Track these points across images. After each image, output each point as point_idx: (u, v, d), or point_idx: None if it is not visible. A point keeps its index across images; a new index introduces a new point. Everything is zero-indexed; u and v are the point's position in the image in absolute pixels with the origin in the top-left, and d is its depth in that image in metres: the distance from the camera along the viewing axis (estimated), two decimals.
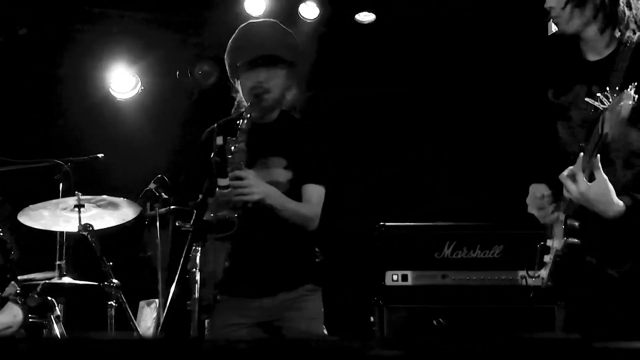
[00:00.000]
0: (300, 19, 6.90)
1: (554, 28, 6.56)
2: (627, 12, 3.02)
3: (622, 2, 3.02)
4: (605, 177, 2.81)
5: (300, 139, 4.05)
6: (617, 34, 3.06)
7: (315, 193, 4.00)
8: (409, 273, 5.57)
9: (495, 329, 5.45)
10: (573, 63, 3.19)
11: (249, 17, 6.82)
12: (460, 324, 5.47)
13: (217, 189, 3.88)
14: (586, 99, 3.01)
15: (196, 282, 3.71)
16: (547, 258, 3.11)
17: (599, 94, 2.86)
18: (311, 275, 4.01)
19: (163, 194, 5.71)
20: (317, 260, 4.07)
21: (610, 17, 3.04)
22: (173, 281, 4.70)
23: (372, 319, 5.57)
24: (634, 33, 3.03)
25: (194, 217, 4.16)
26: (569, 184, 2.86)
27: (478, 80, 7.18)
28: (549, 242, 3.15)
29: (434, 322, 5.46)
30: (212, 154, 3.90)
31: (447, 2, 6.79)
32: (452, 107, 7.33)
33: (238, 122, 3.90)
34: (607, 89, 2.84)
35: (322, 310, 4.07)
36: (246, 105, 3.97)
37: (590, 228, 2.93)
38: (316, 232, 4.05)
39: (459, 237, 5.64)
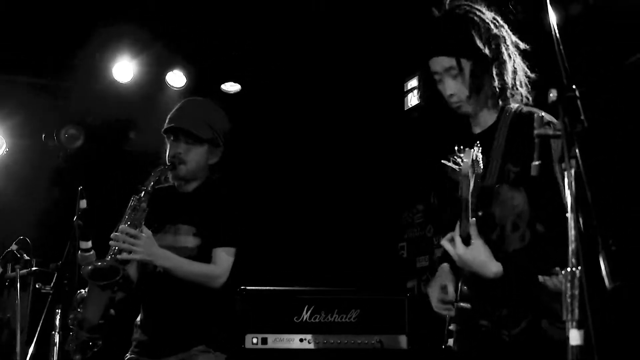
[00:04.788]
0: (167, 86, 6.99)
1: (410, 102, 6.90)
2: (515, 87, 3.18)
3: (512, 80, 3.18)
4: (481, 240, 2.91)
5: (210, 207, 4.13)
6: (500, 107, 3.21)
7: (223, 254, 4.04)
8: (268, 336, 5.65)
9: None
10: (463, 138, 3.26)
11: (117, 83, 6.91)
12: None
13: (80, 252, 3.93)
14: (442, 162, 3.08)
15: (55, 344, 3.75)
16: (453, 326, 3.13)
17: (452, 157, 2.93)
18: (203, 337, 4.03)
19: (25, 255, 5.66)
20: (212, 321, 4.08)
21: (503, 95, 3.17)
22: (32, 343, 4.69)
23: None
24: (512, 104, 3.19)
25: (54, 280, 4.19)
26: (448, 248, 2.97)
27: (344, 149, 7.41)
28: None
29: None
30: (75, 217, 3.96)
31: (313, 72, 7.00)
32: (316, 175, 7.52)
33: (144, 182, 4.01)
34: (456, 149, 2.94)
35: None
36: (161, 168, 4.10)
37: (482, 293, 3.00)
38: (218, 292, 4.07)
39: (317, 301, 5.75)
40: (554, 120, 3.10)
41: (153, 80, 7.03)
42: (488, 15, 3.20)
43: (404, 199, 7.71)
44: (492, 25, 3.17)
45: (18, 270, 5.71)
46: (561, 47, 2.27)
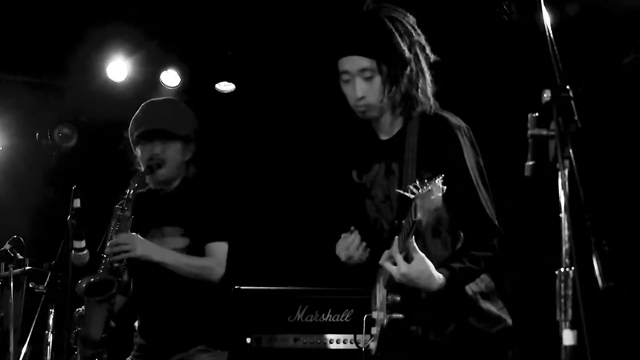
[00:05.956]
0: (161, 86, 6.97)
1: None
2: (421, 94, 3.08)
3: (423, 88, 3.09)
4: (422, 254, 2.84)
5: (195, 204, 4.14)
6: (407, 113, 3.13)
7: (217, 248, 4.07)
8: (262, 336, 5.66)
9: None
10: (369, 143, 3.27)
11: (111, 82, 6.90)
12: None
13: (73, 251, 3.93)
14: (397, 190, 3.05)
15: (48, 343, 3.77)
16: (374, 330, 3.17)
17: (409, 185, 2.80)
18: (201, 336, 4.05)
19: (18, 254, 5.65)
20: (210, 320, 4.11)
21: (412, 102, 3.08)
22: (25, 342, 4.70)
23: None
24: (419, 109, 3.10)
25: (48, 279, 4.20)
26: (389, 267, 2.88)
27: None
28: (374, 315, 3.21)
29: None
30: (69, 216, 3.96)
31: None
32: (310, 175, 7.51)
33: (126, 191, 4.01)
34: (417, 181, 2.83)
35: None
36: (139, 175, 4.11)
37: (410, 299, 2.98)
38: (213, 292, 4.12)
39: (311, 301, 5.77)
40: (462, 123, 3.13)
41: (147, 79, 7.01)
42: (410, 19, 3.13)
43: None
44: (413, 31, 3.10)
45: (11, 269, 5.71)
46: (555, 47, 2.27)
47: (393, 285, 2.97)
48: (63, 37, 6.50)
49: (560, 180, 2.13)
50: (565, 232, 2.09)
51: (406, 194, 2.81)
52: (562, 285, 2.07)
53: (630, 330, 5.00)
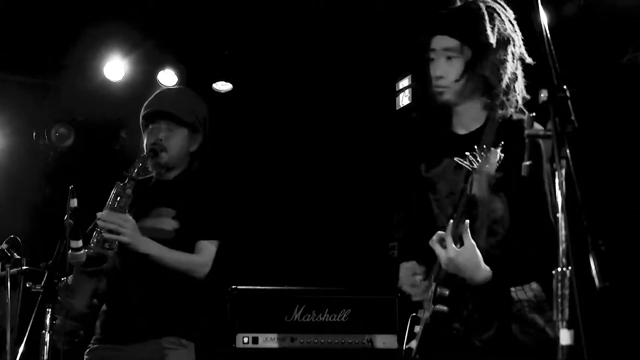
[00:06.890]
0: (158, 85, 6.97)
1: (402, 102, 6.89)
2: (510, 93, 3.05)
3: (508, 83, 3.05)
4: (473, 242, 2.82)
5: (192, 196, 4.12)
6: (489, 110, 3.09)
7: (206, 246, 4.04)
8: (259, 336, 5.66)
9: None
10: (442, 136, 3.22)
11: (108, 82, 6.90)
12: None
13: (70, 251, 3.92)
14: (455, 159, 3.03)
15: (45, 343, 3.75)
16: (417, 329, 3.11)
17: (467, 153, 2.85)
18: (174, 327, 4.01)
19: (15, 254, 5.64)
20: (187, 314, 4.07)
21: (493, 96, 3.05)
22: (22, 342, 4.69)
23: None
24: (503, 110, 3.06)
25: (45, 279, 4.18)
26: (438, 249, 2.87)
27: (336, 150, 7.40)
28: (419, 313, 3.14)
29: None
30: (66, 216, 3.95)
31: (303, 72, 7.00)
32: (307, 175, 7.52)
33: (128, 169, 4.00)
34: (476, 147, 2.85)
35: None
36: (142, 156, 4.09)
37: (457, 296, 2.95)
38: (197, 287, 4.08)
39: (308, 301, 5.78)
40: (540, 127, 3.09)
41: (144, 79, 7.02)
42: (509, 14, 3.12)
43: (395, 199, 7.71)
44: (508, 25, 3.08)
45: (8, 269, 5.70)
46: (552, 47, 2.27)
47: (443, 279, 2.94)
48: (60, 37, 6.50)
49: (557, 180, 2.13)
50: (563, 232, 2.09)
51: (464, 163, 2.80)
52: (559, 285, 2.07)
53: (627, 330, 5.00)
